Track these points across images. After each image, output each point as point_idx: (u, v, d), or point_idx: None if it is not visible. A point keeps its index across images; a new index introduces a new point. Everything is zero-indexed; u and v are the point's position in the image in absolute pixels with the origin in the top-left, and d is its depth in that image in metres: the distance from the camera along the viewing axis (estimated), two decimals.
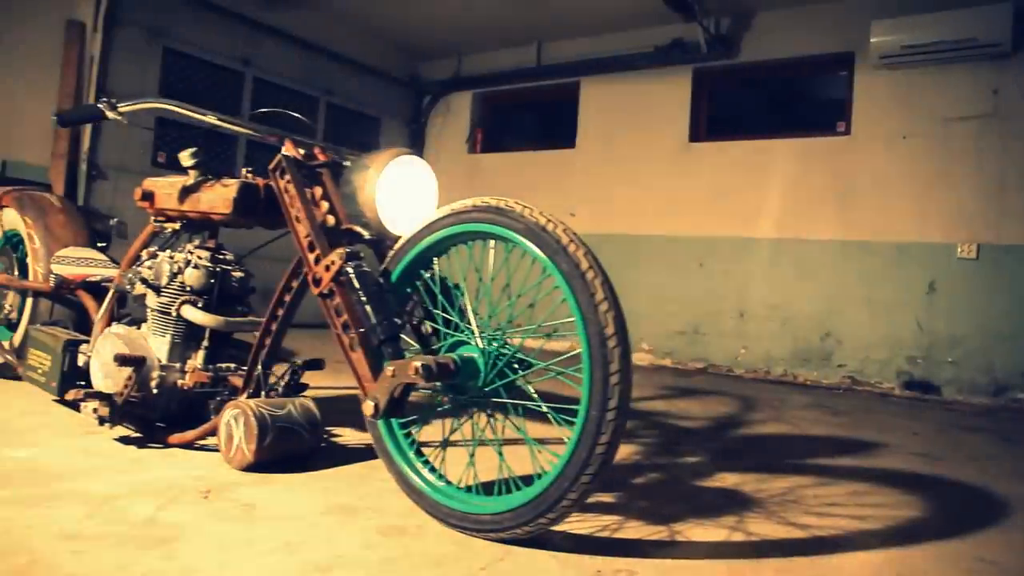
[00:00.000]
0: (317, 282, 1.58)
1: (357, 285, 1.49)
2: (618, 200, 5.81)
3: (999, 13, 4.10)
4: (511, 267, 1.45)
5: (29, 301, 2.57)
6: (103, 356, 2.00)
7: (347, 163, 1.75)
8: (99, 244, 2.72)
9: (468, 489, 1.48)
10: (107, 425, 1.86)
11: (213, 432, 1.87)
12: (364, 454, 2.03)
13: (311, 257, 1.62)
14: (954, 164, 4.48)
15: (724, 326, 5.20)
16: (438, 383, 1.45)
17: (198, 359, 2.00)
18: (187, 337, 2.01)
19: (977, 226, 4.38)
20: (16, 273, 2.69)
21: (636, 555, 1.41)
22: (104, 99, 1.87)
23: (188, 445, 1.92)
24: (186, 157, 1.90)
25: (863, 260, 4.76)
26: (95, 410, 1.83)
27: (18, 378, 2.56)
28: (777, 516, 1.76)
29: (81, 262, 2.52)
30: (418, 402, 1.63)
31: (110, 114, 1.87)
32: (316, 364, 2.10)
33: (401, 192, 1.61)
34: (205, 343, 2.01)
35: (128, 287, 2.08)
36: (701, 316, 5.29)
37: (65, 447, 1.84)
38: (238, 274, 2.06)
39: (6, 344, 2.60)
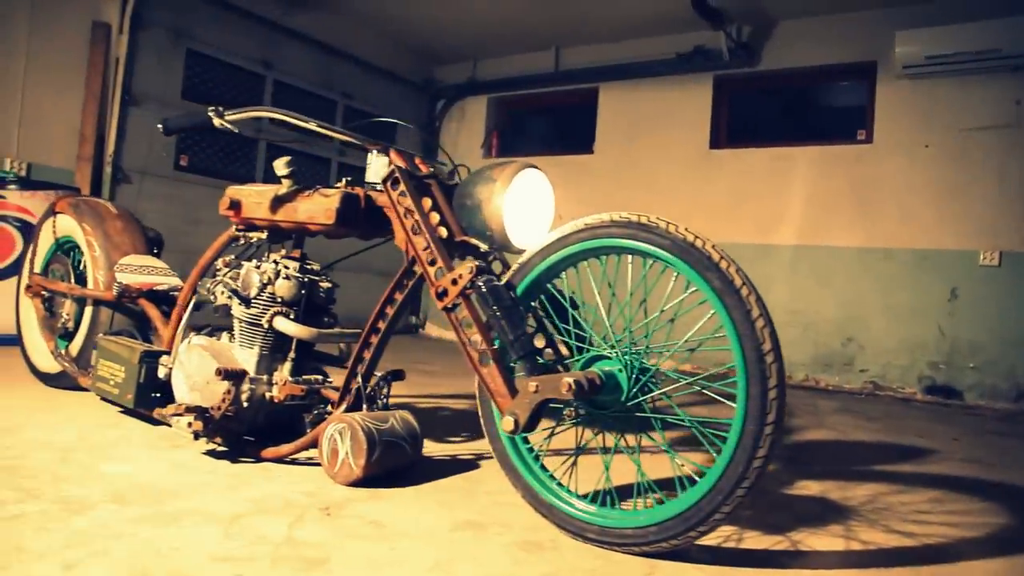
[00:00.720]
0: (441, 295, 1.56)
1: (491, 300, 1.48)
2: (637, 206, 5.79)
3: (1023, 25, 4.18)
4: (646, 282, 1.45)
5: (88, 310, 2.52)
6: (189, 368, 1.97)
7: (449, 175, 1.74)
8: (152, 251, 2.67)
9: (602, 503, 1.47)
10: (203, 440, 1.83)
11: (312, 446, 1.84)
12: (454, 466, 2.01)
13: (432, 271, 1.61)
14: (976, 173, 4.55)
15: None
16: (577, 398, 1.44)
17: (284, 371, 1.97)
18: (274, 349, 1.97)
19: (999, 234, 4.46)
20: (72, 281, 2.63)
21: (775, 566, 1.42)
22: (212, 107, 1.84)
23: (282, 460, 1.89)
24: (281, 166, 1.86)
25: (885, 266, 4.82)
26: (189, 424, 1.79)
27: (77, 388, 2.51)
28: (879, 524, 1.77)
29: (144, 270, 2.48)
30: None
31: (217, 122, 1.83)
32: (397, 375, 2.08)
33: (526, 205, 1.60)
34: (292, 355, 1.98)
35: (210, 297, 2.04)
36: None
37: (159, 462, 1.80)
38: (326, 285, 2.03)
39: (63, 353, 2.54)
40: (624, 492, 1.70)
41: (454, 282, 1.55)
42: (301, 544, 1.33)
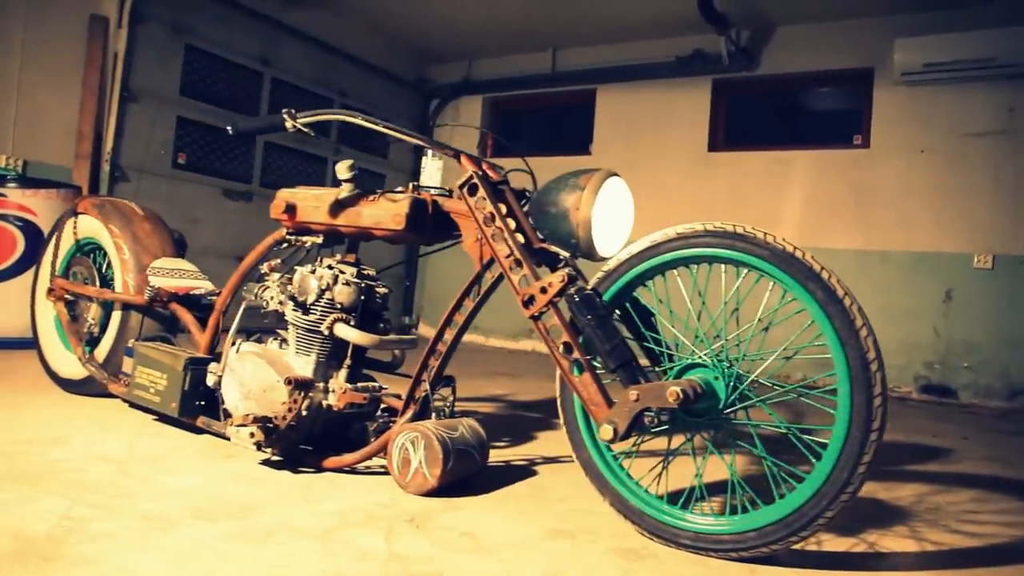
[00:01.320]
0: (528, 302, 1.55)
1: (585, 309, 1.47)
2: (637, 207, 5.84)
3: (1019, 35, 4.31)
4: (739, 291, 1.46)
5: (116, 315, 2.44)
6: (242, 376, 1.92)
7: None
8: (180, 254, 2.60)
9: (692, 508, 1.48)
10: (267, 450, 1.79)
11: (376, 455, 1.81)
12: (512, 473, 2.00)
13: (516, 278, 1.59)
14: (971, 178, 4.68)
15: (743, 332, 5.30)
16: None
17: (340, 378, 1.94)
18: (330, 356, 1.94)
19: (993, 237, 4.59)
20: (98, 284, 2.54)
21: (864, 569, 1.44)
22: (286, 109, 1.79)
23: (342, 469, 1.86)
24: (344, 170, 1.83)
25: (882, 269, 4.93)
26: (252, 435, 1.75)
27: (101, 394, 2.43)
28: (939, 524, 1.81)
29: (176, 274, 2.41)
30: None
31: (289, 124, 1.79)
32: (448, 380, 2.06)
33: (611, 213, 1.59)
34: (348, 361, 1.95)
35: (262, 303, 2.00)
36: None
37: (219, 473, 1.75)
38: (382, 290, 2.00)
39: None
40: (707, 497, 1.71)
41: (543, 290, 1.53)
42: (407, 559, 1.30)
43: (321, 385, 1.92)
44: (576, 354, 1.50)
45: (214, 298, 2.30)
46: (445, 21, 5.87)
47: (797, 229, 5.19)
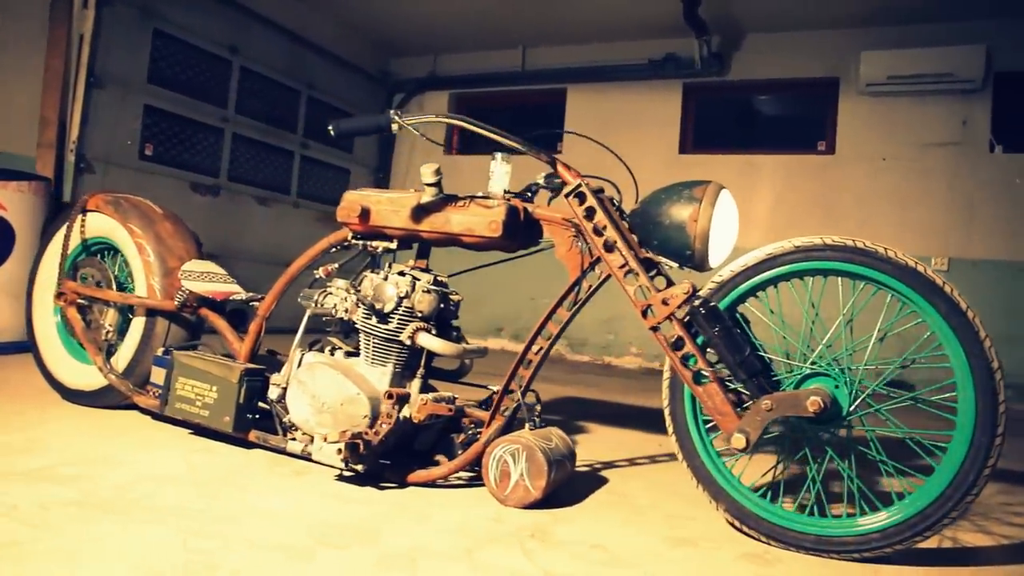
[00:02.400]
0: (648, 313, 1.55)
1: (712, 321, 1.49)
2: None
3: (975, 53, 4.63)
4: (854, 303, 1.51)
5: (138, 322, 2.28)
6: (315, 388, 1.83)
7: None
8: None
9: (810, 512, 1.52)
10: (357, 467, 1.71)
11: (466, 468, 1.77)
12: (590, 481, 1.99)
13: (631, 289, 1.59)
14: (929, 185, 4.99)
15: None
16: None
17: (413, 388, 1.88)
18: (405, 366, 1.88)
19: (949, 242, 4.91)
20: (114, 287, 2.37)
21: (969, 564, 1.52)
22: (393, 110, 1.71)
23: (427, 483, 1.80)
24: (430, 174, 1.77)
25: None
26: (339, 451, 1.68)
27: (117, 406, 2.27)
28: (1005, 522, 1.93)
29: (207, 277, 2.28)
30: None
31: (395, 126, 1.71)
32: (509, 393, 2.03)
33: (724, 225, 1.61)
34: (422, 371, 1.89)
35: (331, 310, 1.91)
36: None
37: (303, 492, 1.67)
38: (456, 297, 1.96)
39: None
40: (825, 501, 1.75)
41: (664, 302, 1.54)
42: None
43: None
44: (700, 365, 1.52)
45: (256, 304, 2.19)
46: (411, 14, 5.76)
47: (766, 231, 5.39)
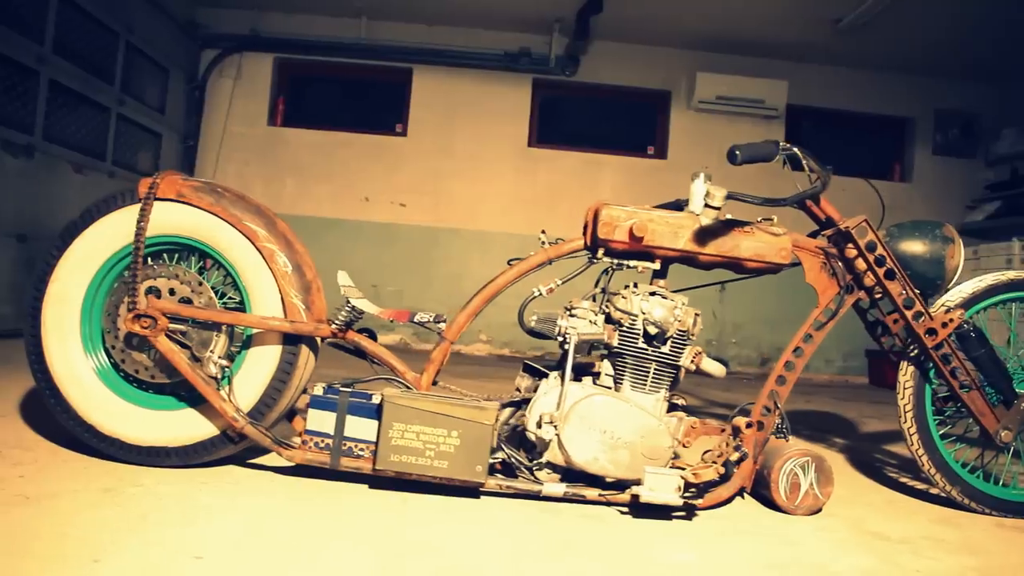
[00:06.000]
0: (930, 333, 1.78)
1: (982, 340, 1.78)
2: (462, 197, 5.92)
3: (781, 86, 5.70)
4: None
5: (260, 351, 1.76)
6: (603, 423, 1.68)
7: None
8: None
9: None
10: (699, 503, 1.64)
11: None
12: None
13: (909, 313, 1.80)
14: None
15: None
16: None
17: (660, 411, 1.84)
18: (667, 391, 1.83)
19: None
20: (217, 304, 1.77)
21: None
22: (782, 143, 1.61)
23: (715, 505, 1.79)
24: (719, 197, 1.76)
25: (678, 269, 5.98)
26: (679, 487, 1.60)
27: (215, 463, 1.76)
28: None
29: (355, 292, 1.87)
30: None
31: (779, 156, 1.64)
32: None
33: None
34: (671, 395, 1.86)
35: (601, 336, 1.76)
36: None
37: (678, 542, 1.55)
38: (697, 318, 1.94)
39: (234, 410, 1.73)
40: None
41: (944, 324, 1.78)
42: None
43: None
44: (965, 376, 1.80)
45: (441, 324, 1.87)
46: None
47: None
